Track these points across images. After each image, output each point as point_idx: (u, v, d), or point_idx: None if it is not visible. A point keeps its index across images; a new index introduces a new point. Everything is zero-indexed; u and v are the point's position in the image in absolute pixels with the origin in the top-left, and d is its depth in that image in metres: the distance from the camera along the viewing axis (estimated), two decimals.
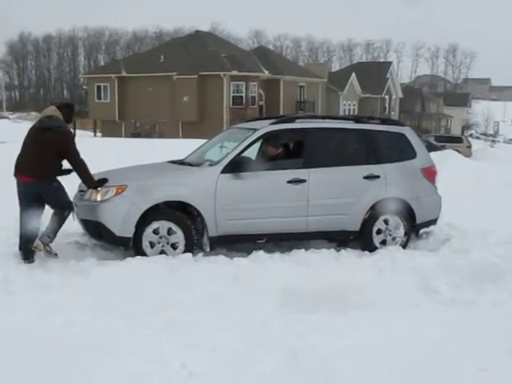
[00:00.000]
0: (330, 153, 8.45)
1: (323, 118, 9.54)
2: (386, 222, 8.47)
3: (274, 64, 51.13)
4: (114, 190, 7.41)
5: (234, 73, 44.35)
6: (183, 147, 12.05)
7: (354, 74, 60.89)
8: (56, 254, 7.19)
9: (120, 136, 43.68)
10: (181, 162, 8.71)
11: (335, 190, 8.17)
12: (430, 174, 8.89)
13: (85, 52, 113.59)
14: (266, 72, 48.54)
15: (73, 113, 7.65)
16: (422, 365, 4.61)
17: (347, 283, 6.23)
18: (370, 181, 8.32)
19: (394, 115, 69.30)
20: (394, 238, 8.48)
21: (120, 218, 7.36)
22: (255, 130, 8.16)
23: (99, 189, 7.43)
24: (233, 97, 45.25)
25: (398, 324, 5.31)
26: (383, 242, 8.44)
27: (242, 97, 45.30)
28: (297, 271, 6.81)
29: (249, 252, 7.87)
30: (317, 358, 4.65)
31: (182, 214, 7.63)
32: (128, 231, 7.39)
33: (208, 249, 7.79)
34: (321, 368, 4.53)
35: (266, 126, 8.23)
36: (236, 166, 7.69)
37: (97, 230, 7.58)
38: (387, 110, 65.96)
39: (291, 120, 8.65)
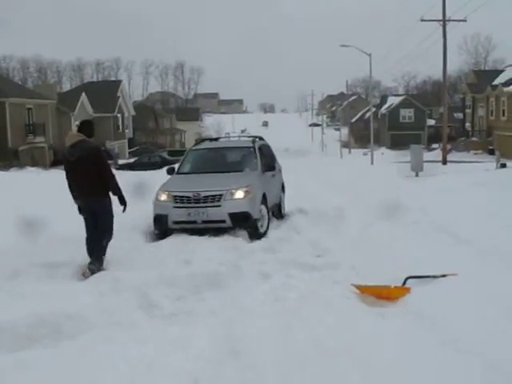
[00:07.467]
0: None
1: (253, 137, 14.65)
2: (282, 194, 14.30)
3: None
4: (247, 189, 10.88)
5: None
6: None
7: (84, 94, 59.85)
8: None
9: None
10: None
11: (277, 178, 13.84)
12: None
13: None
14: None
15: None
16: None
17: (62, 312, 5.91)
18: (278, 173, 14.10)
19: (129, 133, 69.65)
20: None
21: (256, 206, 11.00)
22: (252, 146, 12.88)
23: (241, 189, 10.76)
24: None
25: (113, 348, 5.18)
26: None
27: None
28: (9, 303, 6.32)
29: None
30: None
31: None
32: (258, 214, 11.06)
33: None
34: None
35: (255, 142, 13.20)
36: (262, 169, 12.28)
37: (244, 218, 10.66)
38: (121, 127, 65.97)
39: (257, 138, 14.06)
